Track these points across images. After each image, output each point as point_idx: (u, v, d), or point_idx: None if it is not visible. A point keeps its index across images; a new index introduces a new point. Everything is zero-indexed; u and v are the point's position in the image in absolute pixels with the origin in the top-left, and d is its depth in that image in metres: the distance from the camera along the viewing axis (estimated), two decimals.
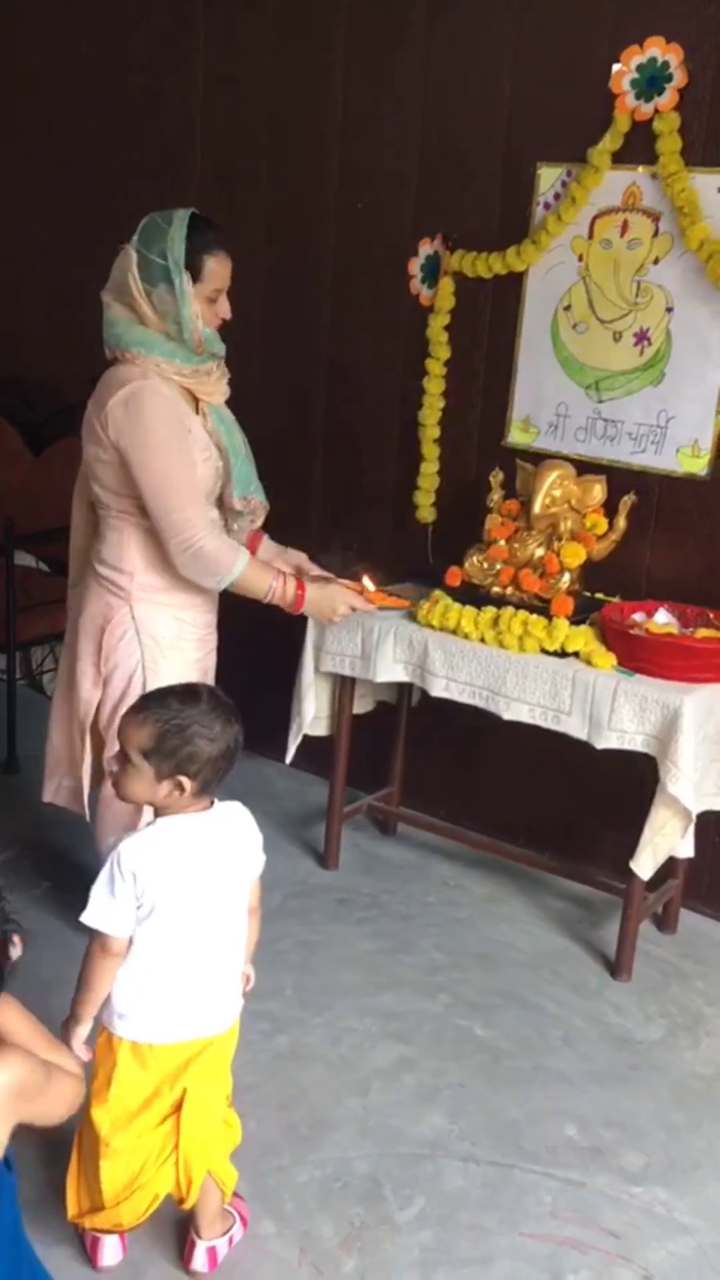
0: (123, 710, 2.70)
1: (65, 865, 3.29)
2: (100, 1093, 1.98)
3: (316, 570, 2.96)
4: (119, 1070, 1.97)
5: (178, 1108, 1.98)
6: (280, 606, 2.77)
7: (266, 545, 2.99)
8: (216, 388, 2.75)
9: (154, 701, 1.94)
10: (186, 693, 1.97)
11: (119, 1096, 1.97)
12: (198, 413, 2.72)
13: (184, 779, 1.89)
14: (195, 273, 2.60)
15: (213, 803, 1.99)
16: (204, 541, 2.61)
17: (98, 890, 1.90)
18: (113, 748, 2.68)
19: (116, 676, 2.74)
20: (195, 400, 2.72)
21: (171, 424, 2.61)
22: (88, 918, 1.90)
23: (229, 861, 1.99)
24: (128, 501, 2.66)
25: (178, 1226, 2.13)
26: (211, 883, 1.96)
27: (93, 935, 1.93)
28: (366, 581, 2.92)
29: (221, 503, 2.79)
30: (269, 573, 2.74)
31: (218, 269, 2.64)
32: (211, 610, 2.87)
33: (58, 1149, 2.25)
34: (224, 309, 2.69)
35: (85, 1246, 2.08)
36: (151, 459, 2.57)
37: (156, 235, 2.58)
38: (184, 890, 1.92)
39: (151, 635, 2.72)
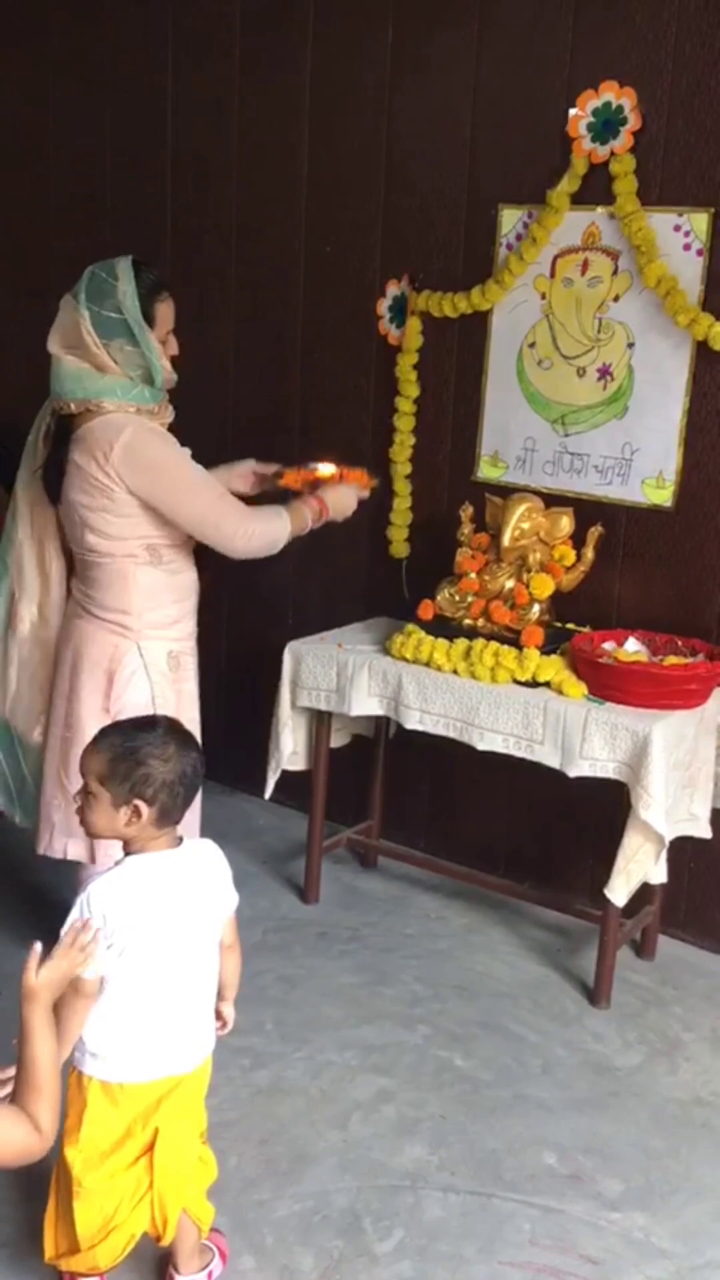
0: None
1: (52, 905, 3.30)
2: (72, 1133, 1.97)
3: (272, 467, 3.05)
4: (89, 1110, 1.97)
5: (150, 1147, 1.99)
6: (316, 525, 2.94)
7: (215, 472, 2.98)
8: (169, 417, 2.84)
9: (110, 731, 1.99)
10: (142, 721, 2.04)
11: (90, 1136, 1.97)
12: None
13: (139, 803, 1.91)
14: (149, 321, 2.67)
15: (180, 840, 2.01)
16: (254, 526, 2.76)
17: (69, 931, 1.90)
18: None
19: (127, 715, 2.73)
20: None
21: (176, 448, 2.73)
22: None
23: (198, 900, 2.00)
24: (133, 544, 2.72)
25: (157, 1263, 2.14)
26: (181, 922, 1.97)
27: None
28: (322, 467, 3.03)
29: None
30: (300, 509, 2.88)
31: (166, 313, 2.74)
32: (194, 635, 2.94)
33: (35, 1186, 2.26)
34: (173, 346, 2.79)
35: None
36: (183, 482, 2.70)
37: (105, 291, 2.64)
38: (154, 930, 1.94)
39: (158, 670, 2.78)
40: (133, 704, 2.74)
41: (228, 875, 2.06)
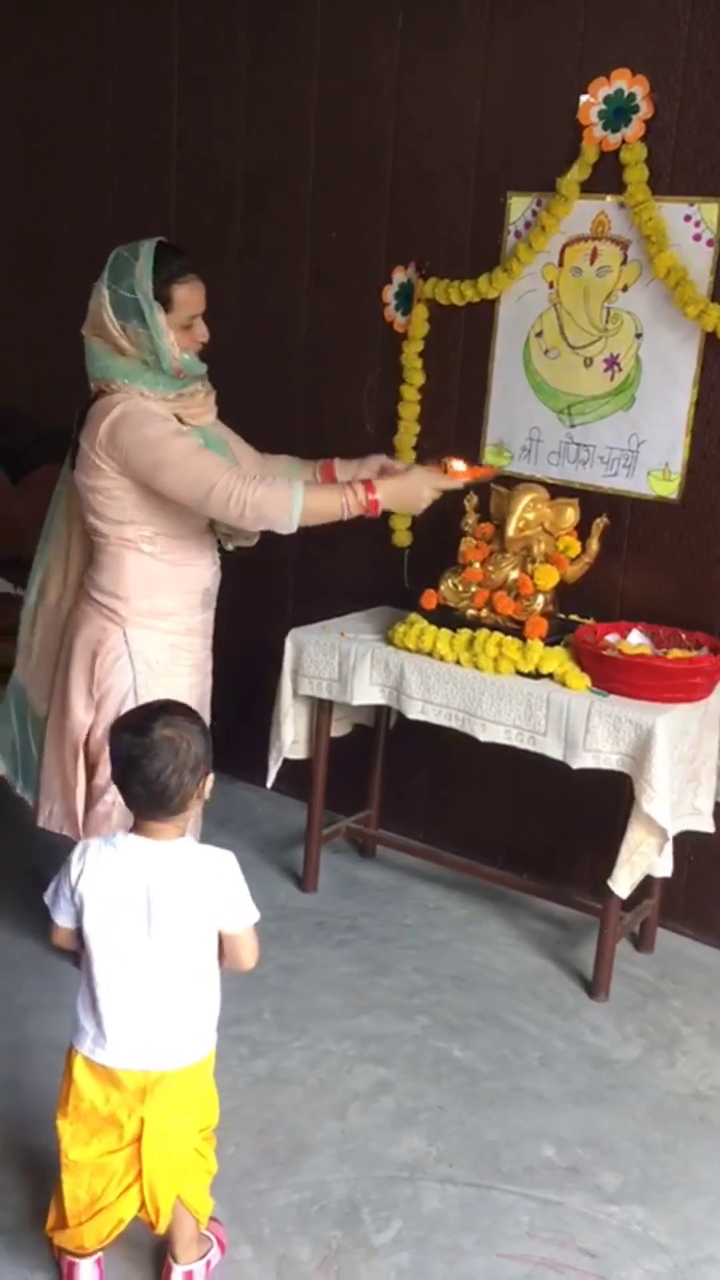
0: None
1: (40, 888, 3.29)
2: (62, 1104, 2.01)
3: (401, 465, 2.89)
4: (75, 1083, 2.00)
5: (138, 1138, 1.97)
6: (365, 515, 2.67)
7: (341, 465, 2.94)
8: (203, 408, 2.77)
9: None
10: (158, 706, 2.05)
11: (75, 1108, 1.99)
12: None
13: (115, 786, 2.01)
14: (166, 303, 2.62)
15: (183, 833, 2.00)
16: (252, 492, 2.54)
17: (56, 879, 2.01)
18: (105, 776, 2.70)
19: (109, 701, 2.74)
20: (182, 424, 2.74)
21: (165, 424, 2.64)
22: (46, 895, 2.03)
23: (174, 899, 1.95)
24: (129, 528, 2.69)
25: (155, 1251, 2.13)
26: (154, 913, 1.94)
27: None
28: (455, 464, 2.83)
29: (211, 522, 2.81)
30: (334, 489, 2.67)
31: (188, 296, 2.66)
32: (208, 635, 2.89)
33: (36, 1176, 2.26)
34: (200, 333, 2.71)
35: (61, 1273, 2.08)
36: (168, 455, 2.57)
37: (124, 270, 2.61)
38: (121, 909, 1.94)
39: (145, 659, 2.74)
40: (116, 690, 2.73)
41: (229, 892, 2.00)
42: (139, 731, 1.94)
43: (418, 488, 2.75)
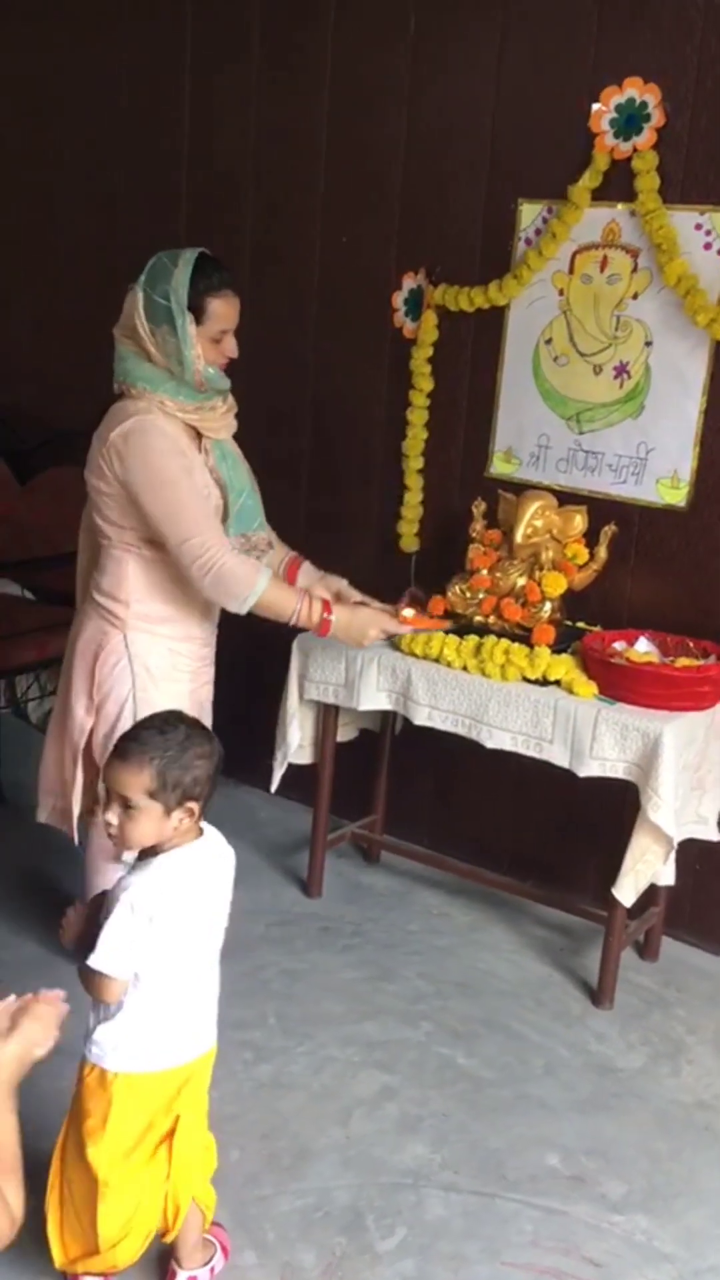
0: (115, 738, 2.71)
1: (52, 894, 3.29)
2: (95, 1133, 1.95)
3: (357, 596, 2.92)
4: (115, 1107, 1.94)
5: (170, 1134, 1.98)
6: (307, 629, 2.73)
7: (306, 571, 2.97)
8: (221, 423, 2.76)
9: (138, 742, 1.90)
10: (164, 723, 1.95)
11: (116, 1134, 1.95)
12: (200, 449, 2.74)
13: (193, 804, 1.91)
14: (199, 314, 2.61)
15: (202, 830, 2.00)
16: (223, 561, 2.58)
17: (113, 935, 1.86)
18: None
19: (109, 704, 2.74)
20: (199, 437, 2.74)
21: (174, 455, 2.63)
22: (99, 963, 1.86)
23: (220, 885, 2.01)
24: (130, 534, 2.68)
25: (158, 1259, 2.13)
26: (208, 909, 1.98)
27: (94, 974, 1.89)
28: (406, 610, 2.90)
29: None
30: (294, 593, 2.71)
31: (222, 310, 2.64)
32: (209, 643, 2.89)
33: (35, 1182, 2.24)
34: (230, 348, 2.70)
35: None
36: (160, 490, 2.59)
37: (162, 276, 2.60)
38: (192, 924, 1.94)
39: (144, 665, 2.74)
40: (115, 694, 2.73)
41: (232, 854, 2.05)
42: (208, 738, 1.96)
43: (365, 626, 2.77)
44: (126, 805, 1.88)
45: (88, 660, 2.76)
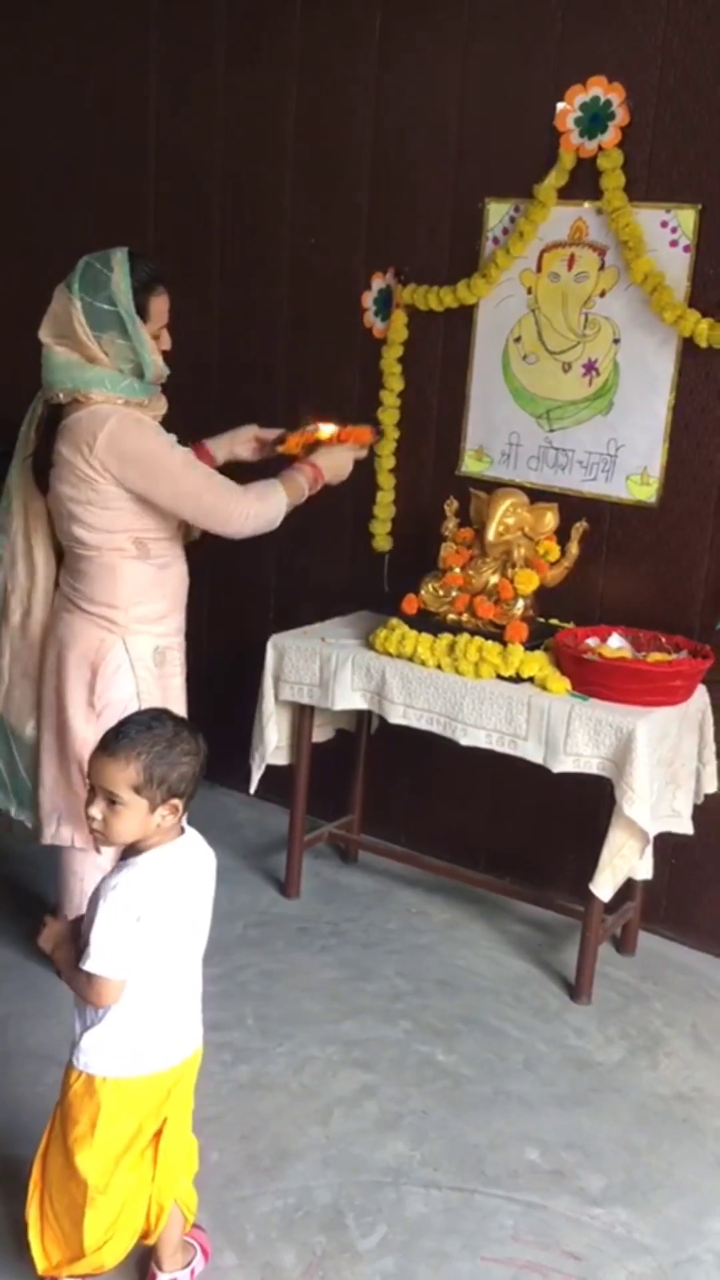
0: None
1: (19, 896, 3.28)
2: (84, 1139, 1.94)
3: (273, 432, 3.00)
4: (104, 1113, 1.93)
5: (157, 1136, 1.98)
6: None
7: (215, 444, 2.99)
8: (162, 407, 2.81)
9: (125, 737, 1.89)
10: (151, 719, 1.95)
11: (105, 1140, 1.94)
12: None
13: (177, 801, 1.90)
14: (143, 314, 2.63)
15: (183, 830, 2.00)
16: (253, 504, 2.73)
17: (104, 935, 1.85)
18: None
19: (111, 709, 2.71)
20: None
21: (159, 436, 2.68)
22: (95, 966, 1.85)
23: (204, 885, 2.00)
24: (121, 537, 2.69)
25: (139, 1261, 2.12)
26: (192, 908, 1.97)
27: (91, 979, 1.88)
28: (323, 427, 2.97)
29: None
30: (296, 479, 2.84)
31: (161, 307, 2.69)
32: (182, 630, 2.91)
33: (12, 1187, 2.23)
34: (166, 341, 2.75)
35: None
36: (170, 476, 2.66)
37: (100, 282, 2.60)
38: (176, 924, 1.93)
39: (145, 665, 2.76)
40: (118, 699, 2.72)
41: (213, 855, 2.05)
42: (196, 736, 1.95)
43: (346, 462, 2.96)
44: (111, 800, 1.87)
45: (84, 672, 2.75)
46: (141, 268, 2.64)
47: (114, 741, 1.89)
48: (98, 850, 2.74)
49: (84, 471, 2.62)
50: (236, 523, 2.72)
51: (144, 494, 2.65)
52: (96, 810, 1.89)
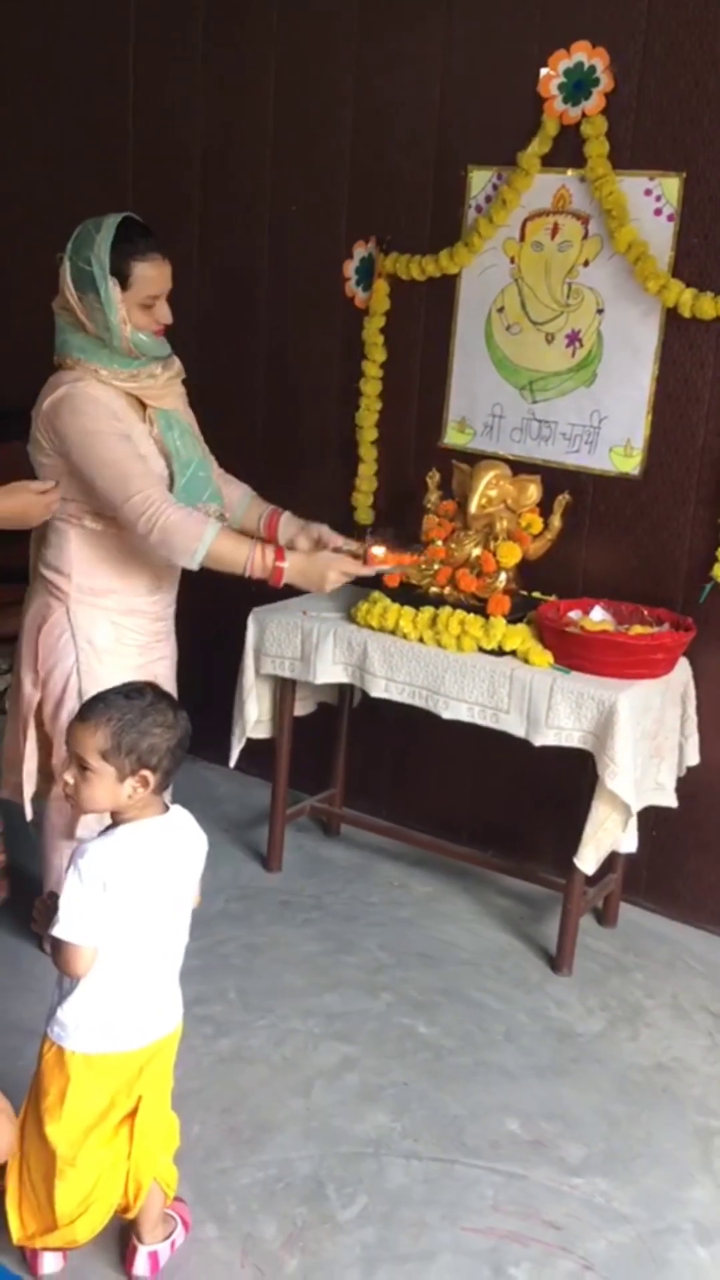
0: (64, 711, 2.68)
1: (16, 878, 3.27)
2: (53, 1110, 1.94)
3: (339, 540, 2.84)
4: (73, 1086, 1.93)
5: (132, 1115, 1.98)
6: (264, 580, 2.66)
7: (287, 521, 2.92)
8: (165, 391, 2.71)
9: (101, 703, 1.91)
10: (131, 690, 1.95)
11: (74, 1112, 1.94)
12: (145, 419, 2.70)
13: (146, 773, 1.89)
14: (123, 279, 2.57)
15: (168, 807, 1.99)
16: (167, 514, 2.54)
17: (70, 902, 1.85)
18: (61, 756, 2.67)
19: (54, 678, 2.73)
20: (144, 406, 2.70)
21: (105, 419, 2.59)
22: (61, 931, 1.85)
23: (183, 865, 1.99)
24: (72, 505, 2.65)
25: (118, 1233, 2.12)
26: (168, 887, 1.96)
27: (61, 946, 1.88)
28: (376, 549, 2.77)
29: None
30: (246, 543, 2.64)
31: (148, 274, 2.59)
32: (161, 617, 2.86)
33: None
34: (162, 314, 2.65)
35: (25, 1256, 2.06)
36: (97, 451, 2.56)
37: (85, 242, 2.56)
38: (148, 898, 1.92)
39: (88, 639, 2.71)
40: (60, 669, 2.71)
41: (204, 840, 2.04)
42: (175, 711, 1.94)
43: (324, 570, 2.69)
44: (82, 766, 1.88)
45: (33, 634, 2.75)
46: (132, 232, 2.57)
47: (88, 706, 1.92)
48: (26, 809, 2.78)
49: (34, 434, 2.62)
50: (141, 528, 2.53)
51: (76, 469, 2.59)
52: (69, 776, 1.90)
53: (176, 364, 2.76)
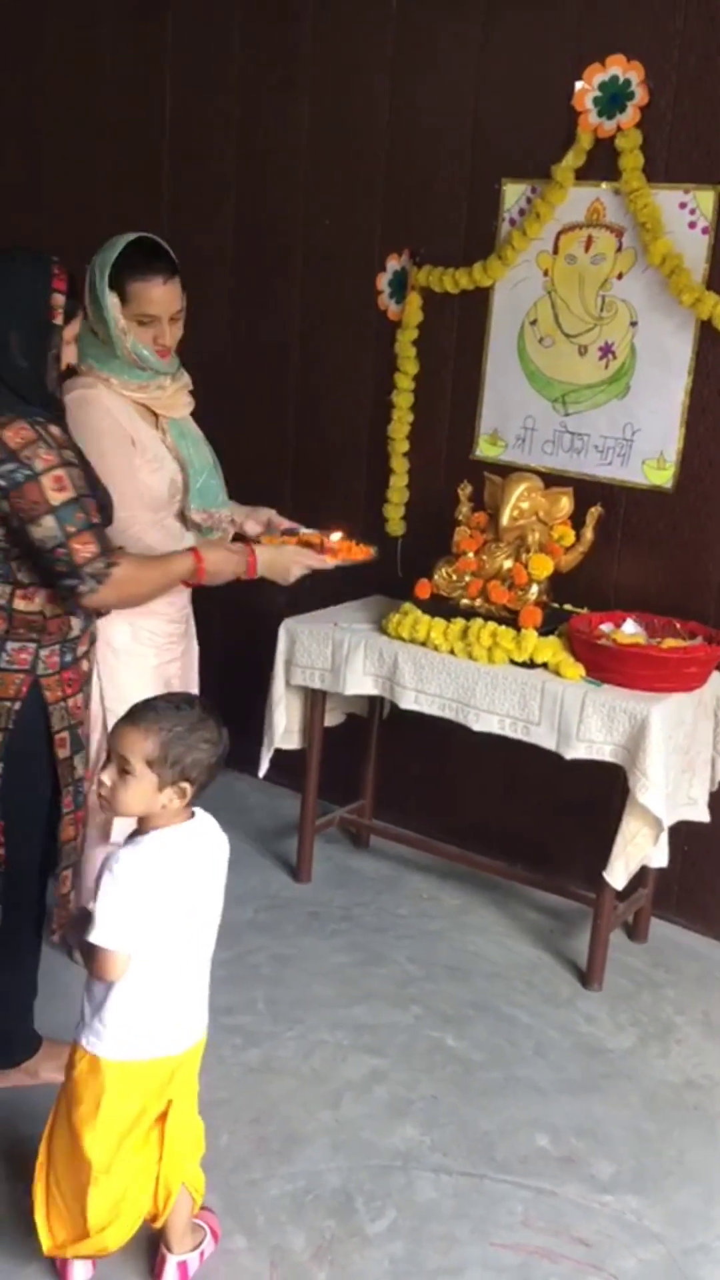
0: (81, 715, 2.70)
1: None
2: (88, 1119, 1.94)
3: (286, 524, 2.89)
4: (108, 1094, 1.93)
5: (162, 1119, 1.98)
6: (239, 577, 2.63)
7: (233, 509, 2.93)
8: (174, 401, 2.75)
9: (152, 711, 1.92)
10: (181, 701, 1.98)
11: (109, 1120, 1.94)
12: (157, 427, 2.74)
13: (186, 785, 1.90)
14: (122, 295, 2.59)
15: (194, 813, 1.99)
16: (147, 537, 2.61)
17: (106, 907, 1.86)
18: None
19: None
20: (155, 415, 2.74)
21: (109, 433, 2.61)
22: (98, 937, 1.86)
23: (211, 871, 2.00)
24: None
25: (148, 1242, 2.12)
26: (198, 894, 1.97)
27: (96, 951, 1.89)
28: (334, 535, 2.79)
29: (182, 516, 2.80)
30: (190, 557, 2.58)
31: (143, 293, 2.59)
32: (176, 620, 2.88)
33: (16, 1165, 2.24)
34: (162, 334, 2.65)
35: (55, 1265, 2.07)
36: (94, 456, 2.54)
37: (101, 255, 2.61)
38: (178, 904, 1.92)
39: (107, 642, 2.72)
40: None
41: (226, 842, 2.05)
42: (220, 727, 1.95)
43: (288, 564, 2.65)
44: (123, 769, 1.89)
45: None
46: (144, 253, 2.59)
47: (140, 712, 1.93)
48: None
49: None
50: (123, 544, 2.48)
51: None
52: (107, 776, 1.91)
53: (185, 377, 2.80)
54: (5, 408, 2.11)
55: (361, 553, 2.83)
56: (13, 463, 2.08)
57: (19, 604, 2.21)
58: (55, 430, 2.15)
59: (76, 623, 2.33)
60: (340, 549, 2.77)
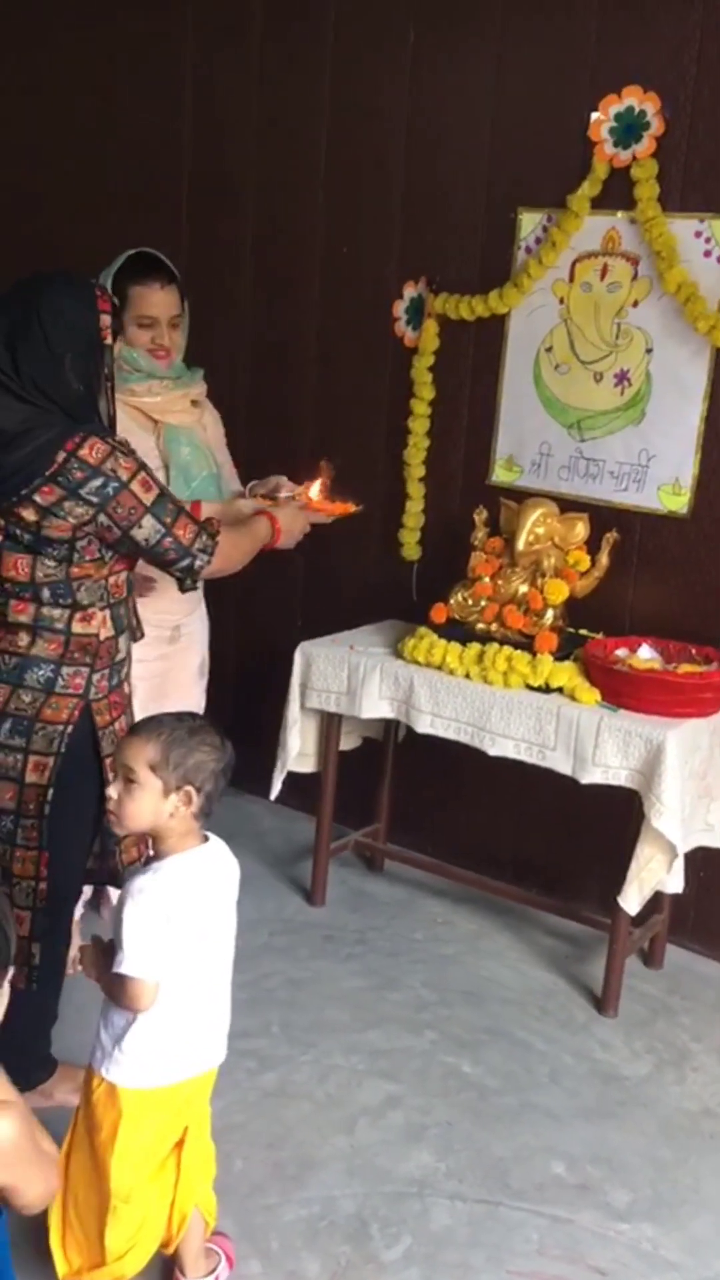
0: None
1: None
2: (107, 1147, 1.94)
3: (288, 486, 2.89)
4: (126, 1121, 1.93)
5: (179, 1144, 1.99)
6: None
7: (252, 484, 2.96)
8: (172, 407, 2.85)
9: (153, 721, 1.96)
10: (182, 714, 2.01)
11: (128, 1148, 1.94)
12: (153, 432, 2.83)
13: (191, 790, 1.90)
14: (122, 298, 2.71)
15: (207, 837, 2.00)
16: None
17: (134, 936, 1.86)
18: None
19: None
20: (154, 421, 2.84)
21: None
22: (128, 968, 1.86)
23: (226, 892, 2.01)
24: None
25: (162, 1268, 2.12)
26: (216, 917, 1.97)
27: (125, 982, 1.88)
28: (312, 490, 2.80)
29: None
30: (259, 524, 2.65)
31: (141, 297, 2.77)
32: (173, 612, 2.90)
33: None
34: (161, 338, 2.81)
35: None
36: None
37: (107, 267, 2.76)
38: (197, 930, 1.93)
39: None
40: None
41: (237, 865, 2.05)
42: (224, 739, 1.97)
43: (295, 527, 2.70)
44: (129, 780, 1.91)
45: None
46: (143, 262, 2.76)
47: (143, 723, 1.98)
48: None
49: None
50: None
51: None
52: (114, 790, 1.94)
53: (193, 386, 2.90)
54: (70, 430, 2.16)
55: (343, 508, 2.89)
56: (100, 478, 2.15)
57: (77, 626, 2.25)
58: (121, 438, 2.24)
59: (124, 644, 2.36)
60: (335, 509, 2.84)
